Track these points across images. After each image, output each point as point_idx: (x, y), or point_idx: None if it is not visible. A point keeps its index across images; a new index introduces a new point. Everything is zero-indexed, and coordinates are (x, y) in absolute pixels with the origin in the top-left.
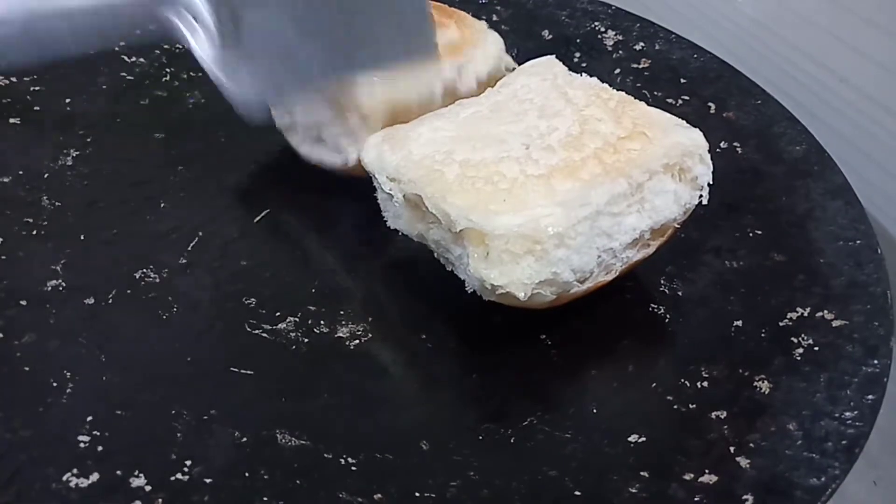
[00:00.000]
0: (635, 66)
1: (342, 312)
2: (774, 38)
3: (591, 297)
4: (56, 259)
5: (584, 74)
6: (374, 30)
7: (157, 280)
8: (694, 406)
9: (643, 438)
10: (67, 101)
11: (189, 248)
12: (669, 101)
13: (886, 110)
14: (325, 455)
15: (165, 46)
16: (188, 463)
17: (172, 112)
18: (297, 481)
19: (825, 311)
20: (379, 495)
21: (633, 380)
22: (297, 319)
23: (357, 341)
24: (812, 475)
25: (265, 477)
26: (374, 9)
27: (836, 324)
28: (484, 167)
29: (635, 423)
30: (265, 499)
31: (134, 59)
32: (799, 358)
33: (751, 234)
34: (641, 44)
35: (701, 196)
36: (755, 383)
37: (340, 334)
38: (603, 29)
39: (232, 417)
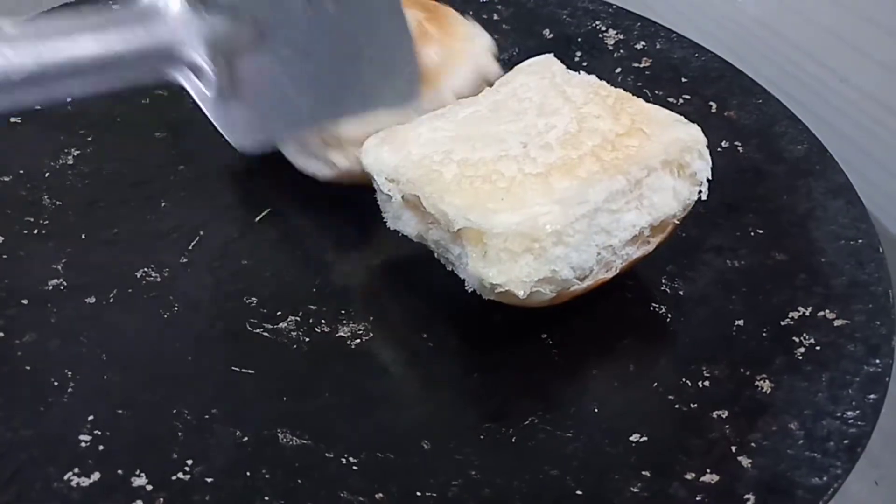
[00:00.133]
0: (636, 65)
1: (343, 312)
2: (776, 37)
3: (592, 295)
4: (57, 258)
5: (582, 73)
6: (362, 77)
7: (158, 279)
8: (695, 405)
9: (644, 438)
10: (68, 100)
11: (190, 248)
12: (670, 100)
13: (888, 109)
14: (327, 454)
15: None
16: (189, 462)
17: (173, 111)
18: (299, 480)
19: (827, 311)
20: (380, 494)
21: (634, 379)
22: (298, 319)
23: (358, 341)
24: (814, 475)
25: (266, 476)
26: (363, 56)
27: (837, 323)
28: (482, 166)
29: (636, 423)
30: (266, 498)
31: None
32: (800, 357)
33: (752, 234)
34: (642, 43)
35: (700, 192)
36: (756, 383)
37: (341, 334)
38: (604, 28)
39: (233, 417)
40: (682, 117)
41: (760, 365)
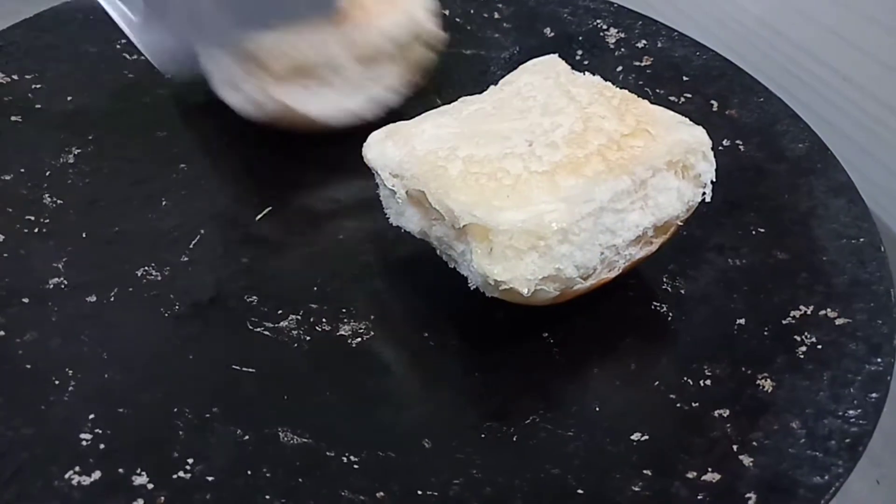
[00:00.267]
0: (637, 63)
1: (344, 310)
2: (777, 35)
3: (594, 294)
4: (58, 257)
5: (586, 72)
6: None
7: (159, 278)
8: (697, 404)
9: (646, 437)
10: (69, 99)
11: (191, 246)
12: (672, 98)
13: (889, 108)
14: (328, 453)
15: None
16: (190, 461)
17: (174, 110)
18: (300, 479)
19: (828, 310)
20: (381, 493)
21: (636, 378)
22: (299, 317)
23: (359, 339)
24: (815, 473)
25: (267, 475)
26: None
27: (839, 322)
28: (488, 163)
29: (638, 422)
30: (267, 497)
31: (135, 56)
32: (802, 356)
33: (753, 232)
34: (644, 41)
35: (704, 193)
36: (758, 381)
37: (342, 332)
38: (605, 26)
39: (234, 415)
40: (687, 119)
41: (762, 364)
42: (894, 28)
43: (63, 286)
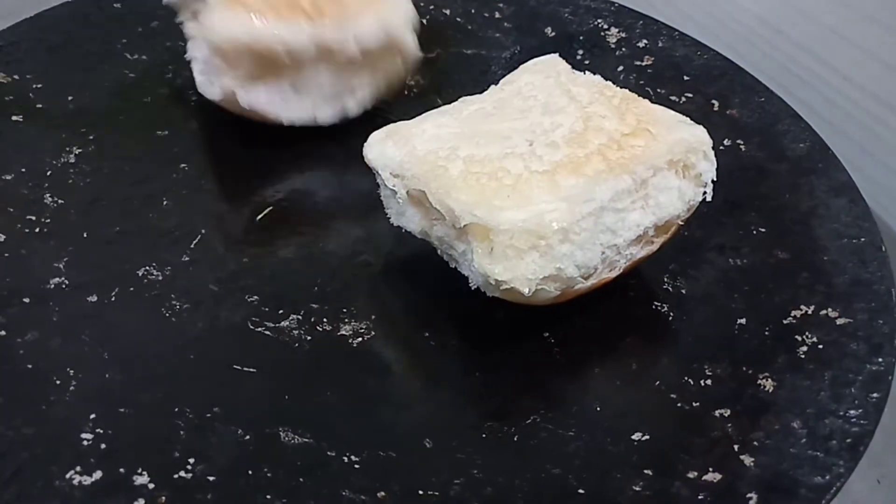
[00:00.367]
0: (638, 63)
1: (345, 310)
2: (778, 35)
3: (594, 294)
4: (59, 257)
5: (587, 72)
6: None
7: (160, 278)
8: (697, 404)
9: (646, 436)
10: (70, 98)
11: (191, 246)
12: (673, 98)
13: (890, 108)
14: (329, 453)
15: (168, 44)
16: (191, 461)
17: (175, 110)
18: (301, 479)
19: (829, 309)
20: (382, 493)
21: (637, 378)
22: (299, 317)
23: (360, 339)
24: (816, 473)
25: (268, 475)
26: None
27: (840, 322)
28: (488, 163)
29: (638, 421)
30: (268, 497)
31: (136, 56)
32: (803, 356)
33: (754, 232)
34: (644, 41)
35: (705, 193)
36: (759, 381)
37: (343, 332)
38: (606, 26)
39: (235, 415)
40: (688, 118)
41: (763, 363)
42: (894, 27)
43: (64, 286)
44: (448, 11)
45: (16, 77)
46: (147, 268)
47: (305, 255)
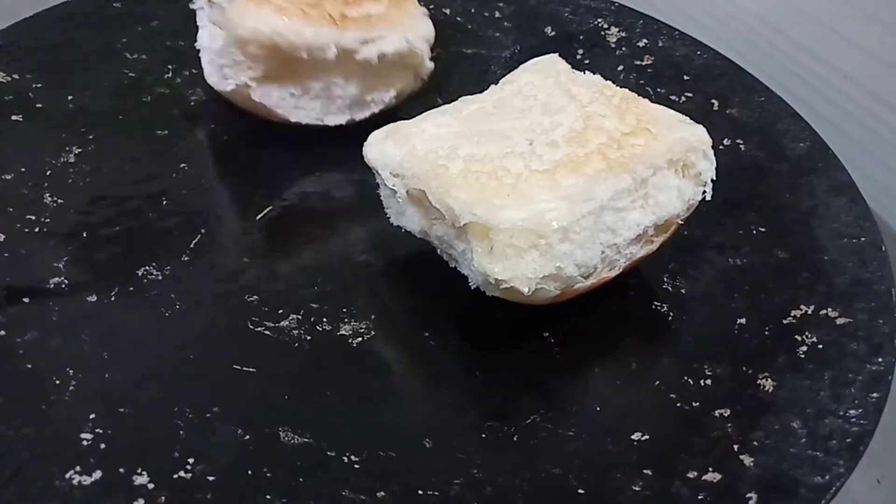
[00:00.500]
0: (638, 62)
1: (345, 310)
2: (778, 34)
3: (594, 294)
4: (58, 256)
5: (586, 71)
6: None
7: (160, 277)
8: (697, 404)
9: (646, 436)
10: (70, 98)
11: (191, 246)
12: (672, 97)
13: (890, 107)
14: (328, 453)
15: (168, 43)
16: (191, 461)
17: (174, 109)
18: (300, 479)
19: (829, 309)
20: (382, 493)
21: (636, 377)
22: (299, 317)
23: (360, 339)
24: (816, 473)
25: (268, 475)
26: None
27: (839, 321)
28: (488, 162)
29: (638, 421)
30: (268, 496)
31: (136, 55)
32: (803, 356)
33: (754, 232)
34: (644, 41)
35: (704, 192)
36: (759, 381)
37: (343, 332)
38: (606, 26)
39: (234, 415)
40: (688, 118)
41: (762, 363)
42: (895, 26)
43: (63, 286)
44: (448, 11)
45: (16, 77)
46: (147, 268)
47: (305, 254)
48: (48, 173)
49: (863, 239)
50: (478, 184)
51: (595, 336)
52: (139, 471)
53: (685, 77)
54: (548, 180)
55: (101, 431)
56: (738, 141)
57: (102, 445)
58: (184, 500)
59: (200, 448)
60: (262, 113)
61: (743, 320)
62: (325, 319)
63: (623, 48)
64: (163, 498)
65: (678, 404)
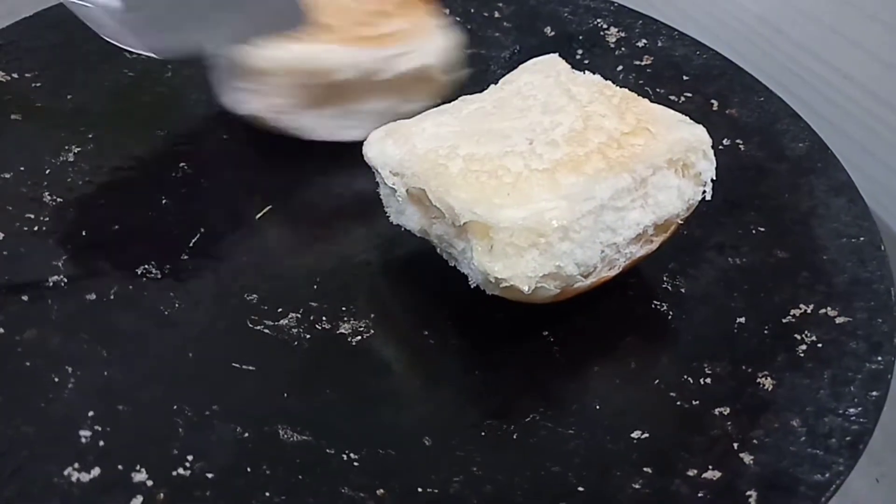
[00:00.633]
0: (638, 63)
1: (344, 309)
2: (777, 34)
3: (594, 293)
4: (57, 255)
5: (586, 71)
6: (244, 5)
7: (159, 276)
8: (697, 402)
9: (646, 435)
10: (69, 97)
11: (191, 245)
12: (672, 98)
13: (890, 107)
14: (328, 451)
15: None
16: (190, 458)
17: (174, 109)
18: (300, 477)
19: (828, 308)
20: (381, 491)
21: (636, 376)
22: (299, 316)
23: (359, 338)
24: (816, 471)
25: (267, 472)
26: None
27: (839, 321)
28: (488, 161)
29: (638, 420)
30: (267, 494)
31: (135, 55)
32: (802, 355)
33: (754, 231)
34: (644, 41)
35: (704, 192)
36: (758, 380)
37: (343, 331)
38: (605, 26)
39: (234, 413)
40: (688, 117)
41: (762, 362)
42: (895, 26)
43: (63, 284)
44: (448, 11)
45: (15, 76)
46: (146, 266)
47: (305, 253)
48: (47, 172)
49: (862, 239)
50: (478, 183)
51: (595, 335)
52: (138, 468)
53: (684, 77)
54: (548, 179)
55: (100, 429)
56: (738, 141)
57: (101, 443)
58: (183, 497)
59: (200, 446)
60: (274, 130)
61: (742, 319)
62: (324, 318)
63: (622, 48)
64: (161, 495)
65: (678, 403)
